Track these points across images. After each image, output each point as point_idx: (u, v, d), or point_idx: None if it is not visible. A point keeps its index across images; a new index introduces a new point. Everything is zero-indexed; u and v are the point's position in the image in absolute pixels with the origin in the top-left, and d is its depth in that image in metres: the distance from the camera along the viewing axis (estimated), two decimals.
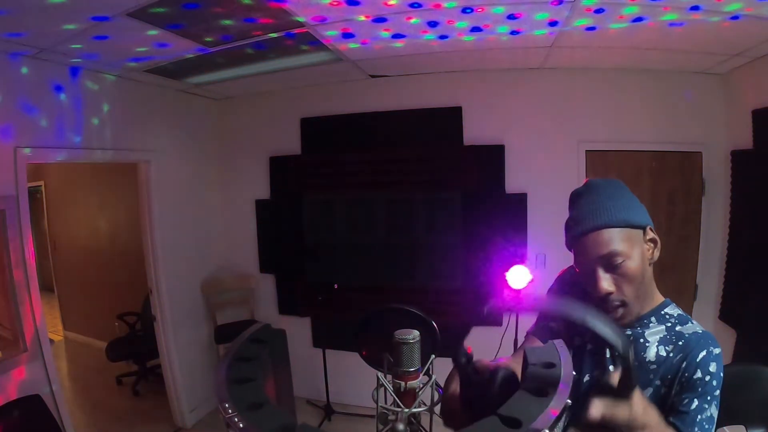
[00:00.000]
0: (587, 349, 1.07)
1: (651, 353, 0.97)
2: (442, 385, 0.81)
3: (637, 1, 1.99)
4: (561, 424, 0.55)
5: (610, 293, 0.96)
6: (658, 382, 0.95)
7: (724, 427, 1.84)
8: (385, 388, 0.79)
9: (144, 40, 2.36)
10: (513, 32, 2.45)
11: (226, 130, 4.01)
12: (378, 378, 0.80)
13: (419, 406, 0.77)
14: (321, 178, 3.74)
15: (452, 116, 3.42)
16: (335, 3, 2.01)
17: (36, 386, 2.41)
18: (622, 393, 0.68)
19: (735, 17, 2.10)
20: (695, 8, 2.03)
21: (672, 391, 0.93)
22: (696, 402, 0.88)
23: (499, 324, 3.11)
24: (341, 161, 3.68)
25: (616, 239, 0.95)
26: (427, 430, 0.83)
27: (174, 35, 2.31)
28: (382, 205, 3.63)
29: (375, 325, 2.17)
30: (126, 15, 1.99)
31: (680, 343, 0.96)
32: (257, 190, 3.94)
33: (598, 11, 2.12)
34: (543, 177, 3.28)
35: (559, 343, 0.71)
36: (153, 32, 2.24)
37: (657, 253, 1.01)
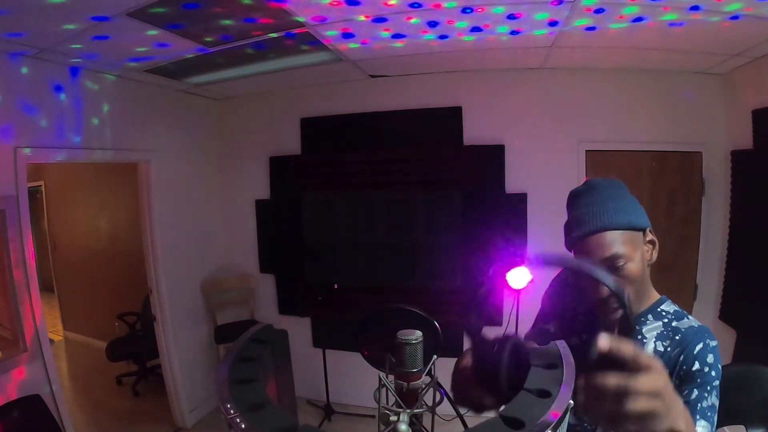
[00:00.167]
0: (585, 348, 1.07)
1: (649, 349, 0.98)
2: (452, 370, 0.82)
3: (637, 1, 1.99)
4: (564, 425, 0.55)
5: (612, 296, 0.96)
6: None
7: (724, 428, 1.84)
8: (387, 389, 0.79)
9: (144, 40, 2.36)
10: (513, 32, 2.45)
11: (226, 130, 4.01)
12: (380, 378, 0.80)
13: (421, 407, 0.77)
14: (321, 178, 3.74)
15: (452, 116, 3.42)
16: (335, 3, 2.01)
17: (36, 386, 2.41)
18: (623, 332, 0.70)
19: (735, 17, 2.10)
20: (695, 8, 2.03)
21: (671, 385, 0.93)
22: (696, 392, 0.89)
23: (500, 324, 3.11)
24: (341, 161, 3.68)
25: (618, 242, 0.96)
26: (429, 430, 0.83)
27: (174, 35, 2.31)
28: (382, 205, 3.63)
29: (376, 325, 2.18)
30: (126, 15, 1.99)
31: (677, 337, 0.97)
32: (257, 190, 3.94)
33: (598, 11, 2.12)
34: (543, 177, 3.28)
35: (561, 344, 0.71)
36: (153, 32, 2.24)
37: (655, 254, 1.03)
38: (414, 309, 2.08)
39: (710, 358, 0.92)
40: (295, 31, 2.35)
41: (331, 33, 2.43)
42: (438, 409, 0.80)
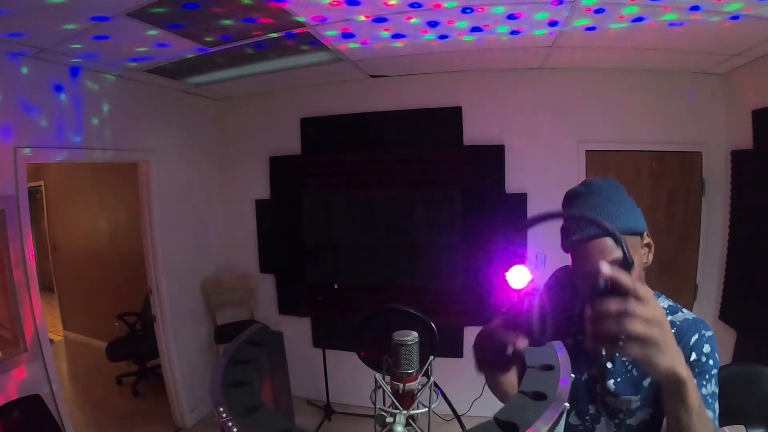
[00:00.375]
0: (581, 349, 1.07)
1: None
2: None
3: (637, 1, 1.99)
4: (560, 427, 0.55)
5: None
6: None
7: (724, 428, 1.84)
8: (384, 390, 0.79)
9: (144, 40, 2.36)
10: (513, 32, 2.45)
11: (226, 130, 4.01)
12: (376, 379, 0.80)
13: (417, 408, 0.77)
14: (321, 178, 3.74)
15: (452, 116, 3.42)
16: (335, 3, 2.01)
17: (36, 386, 2.41)
18: (622, 266, 0.71)
19: (735, 17, 2.10)
20: (695, 8, 2.02)
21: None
22: (695, 381, 0.89)
23: None
24: (341, 161, 3.68)
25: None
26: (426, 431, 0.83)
27: (174, 35, 2.31)
28: (382, 205, 3.63)
29: (373, 325, 2.17)
30: (126, 15, 1.99)
31: (672, 331, 0.97)
32: (257, 190, 3.94)
33: (598, 11, 2.12)
34: (543, 177, 3.28)
35: (557, 345, 0.71)
36: (153, 32, 2.24)
37: (651, 257, 1.03)
38: (410, 309, 2.07)
39: (706, 348, 0.93)
40: (295, 31, 2.35)
41: (331, 33, 2.43)
42: (437, 410, 0.80)
